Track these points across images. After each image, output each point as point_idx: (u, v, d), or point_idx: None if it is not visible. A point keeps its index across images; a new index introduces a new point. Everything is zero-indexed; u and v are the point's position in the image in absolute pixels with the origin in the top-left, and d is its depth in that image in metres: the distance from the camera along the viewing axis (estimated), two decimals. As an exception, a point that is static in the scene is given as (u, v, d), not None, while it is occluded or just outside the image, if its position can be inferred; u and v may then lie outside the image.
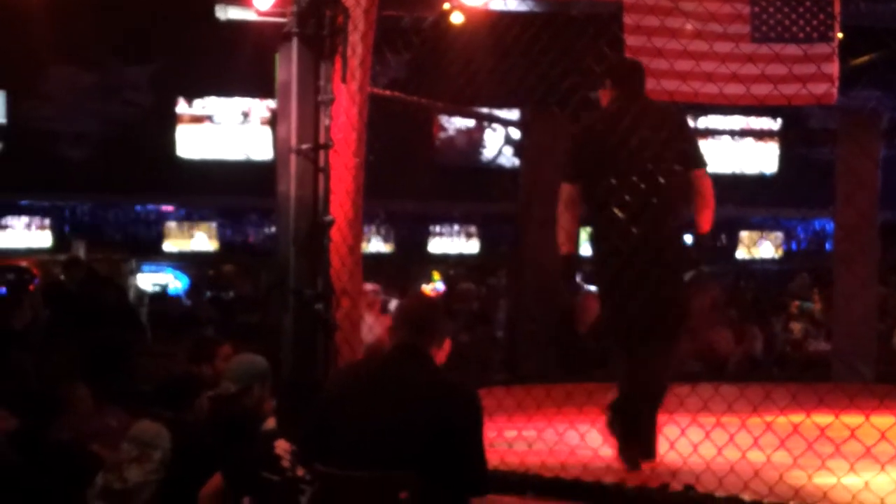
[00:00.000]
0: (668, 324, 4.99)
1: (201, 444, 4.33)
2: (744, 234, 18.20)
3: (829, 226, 15.92)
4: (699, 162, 5.15)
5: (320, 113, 5.39)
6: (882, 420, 4.76)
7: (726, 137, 16.43)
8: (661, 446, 5.06)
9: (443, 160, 16.55)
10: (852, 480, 4.26)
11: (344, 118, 5.49)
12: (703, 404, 5.19)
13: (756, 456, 4.60)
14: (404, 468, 3.54)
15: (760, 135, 16.91)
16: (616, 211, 4.91)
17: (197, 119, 16.82)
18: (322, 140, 5.35)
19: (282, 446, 3.98)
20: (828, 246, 16.38)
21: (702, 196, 5.05)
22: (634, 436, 4.92)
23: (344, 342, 5.20)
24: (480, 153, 16.65)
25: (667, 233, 4.95)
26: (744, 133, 16.47)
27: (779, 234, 18.83)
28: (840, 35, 8.47)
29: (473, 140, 16.67)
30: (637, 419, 4.93)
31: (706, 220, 5.06)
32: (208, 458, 4.17)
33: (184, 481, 4.23)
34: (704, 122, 14.96)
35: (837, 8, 8.25)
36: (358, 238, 5.50)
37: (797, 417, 4.85)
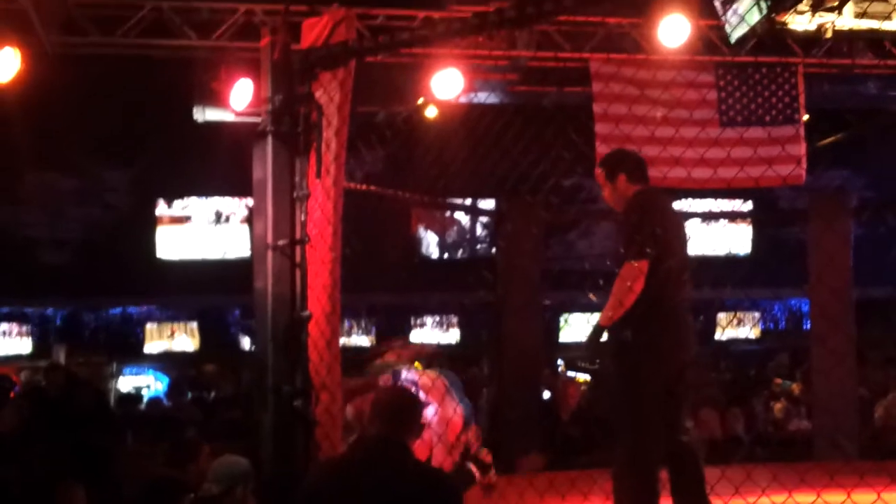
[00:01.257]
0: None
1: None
2: (721, 316, 18.27)
3: (805, 304, 16.03)
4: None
5: (296, 209, 5.44)
6: (863, 497, 4.76)
7: (699, 220, 16.58)
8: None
9: (422, 252, 16.67)
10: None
11: (319, 213, 5.55)
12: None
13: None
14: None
15: (733, 216, 17.10)
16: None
17: (177, 220, 16.87)
18: (298, 236, 5.39)
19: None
20: (805, 324, 16.47)
21: None
22: None
23: (324, 437, 5.18)
24: (459, 245, 16.78)
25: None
26: (716, 215, 16.66)
27: (755, 315, 18.93)
28: (806, 117, 8.67)
29: (452, 231, 16.80)
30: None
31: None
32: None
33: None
34: (677, 205, 15.08)
35: (802, 89, 8.47)
36: (336, 332, 5.52)
37: (779, 498, 4.84)
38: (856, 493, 4.67)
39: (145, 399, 13.19)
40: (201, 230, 16.87)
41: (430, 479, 3.86)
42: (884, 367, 11.32)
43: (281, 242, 5.43)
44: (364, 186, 8.14)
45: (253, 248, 5.71)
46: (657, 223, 5.04)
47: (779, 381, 11.38)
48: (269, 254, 5.43)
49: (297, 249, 5.39)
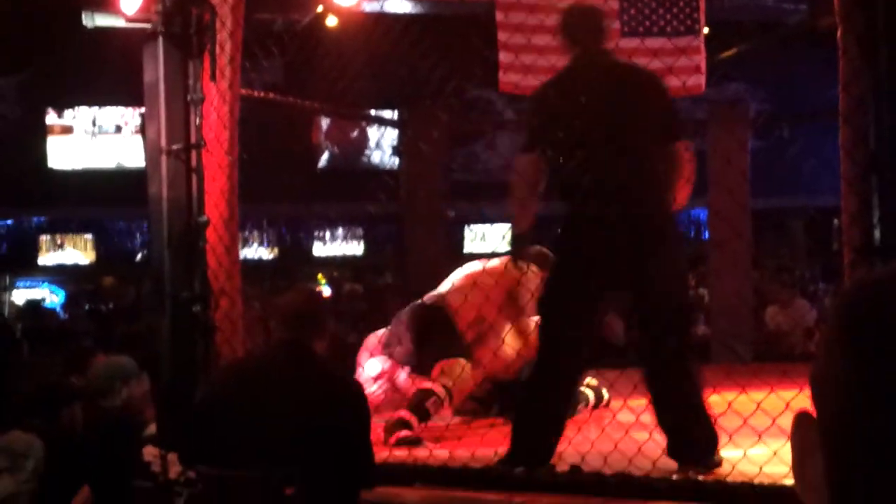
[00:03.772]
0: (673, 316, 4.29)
1: (74, 453, 4.22)
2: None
3: (705, 214, 16.34)
4: (680, 132, 4.52)
5: (190, 112, 5.29)
6: (758, 394, 4.88)
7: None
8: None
9: (323, 162, 16.48)
10: (731, 453, 4.35)
11: (215, 117, 5.40)
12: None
13: (640, 434, 4.68)
14: (291, 465, 3.51)
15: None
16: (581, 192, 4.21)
17: (67, 129, 16.37)
18: (193, 140, 5.26)
19: (150, 452, 3.91)
20: (705, 234, 16.84)
21: (683, 170, 4.37)
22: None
23: (224, 343, 5.12)
24: (362, 154, 16.62)
25: (651, 215, 4.25)
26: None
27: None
28: (706, 29, 8.71)
29: (354, 141, 16.62)
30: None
31: (683, 195, 4.40)
32: (82, 467, 4.06)
33: (58, 491, 4.11)
34: None
35: (703, 1, 8.49)
36: (234, 238, 5.42)
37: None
38: (751, 390, 4.79)
39: (21, 309, 12.83)
40: (93, 140, 16.40)
41: (334, 381, 3.84)
42: (777, 275, 11.62)
43: (175, 147, 5.29)
44: (262, 93, 7.96)
45: (146, 154, 5.56)
46: (544, 108, 4.41)
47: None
48: (164, 159, 5.29)
49: (193, 154, 5.26)
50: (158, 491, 3.73)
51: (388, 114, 12.66)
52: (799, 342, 9.15)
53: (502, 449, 4.53)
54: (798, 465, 0.86)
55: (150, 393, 4.75)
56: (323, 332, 3.91)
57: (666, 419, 4.32)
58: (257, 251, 16.68)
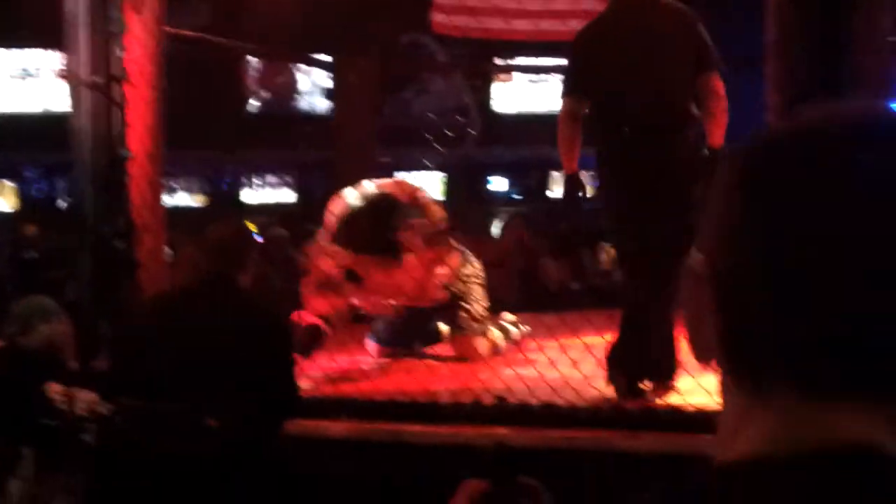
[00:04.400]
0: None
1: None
2: (555, 174, 18.45)
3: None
4: (713, 64, 4.43)
5: (112, 44, 5.15)
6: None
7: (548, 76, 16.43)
8: (477, 367, 5.12)
9: (254, 108, 16.20)
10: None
11: (140, 50, 5.26)
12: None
13: (568, 371, 4.70)
14: (214, 396, 3.47)
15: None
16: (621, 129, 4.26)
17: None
18: (115, 72, 5.13)
19: (55, 389, 3.82)
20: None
21: (716, 103, 4.35)
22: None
23: (149, 280, 5.02)
24: (293, 100, 16.36)
25: (681, 148, 4.30)
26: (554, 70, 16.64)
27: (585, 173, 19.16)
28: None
29: (285, 86, 16.35)
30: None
31: (719, 131, 4.36)
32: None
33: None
34: (525, 60, 14.71)
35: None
36: (159, 173, 5.30)
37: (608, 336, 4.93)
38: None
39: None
40: (13, 83, 15.97)
41: (257, 313, 3.80)
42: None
43: (97, 79, 5.15)
44: (191, 33, 7.77)
45: (68, 86, 5.41)
46: (582, 51, 4.42)
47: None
48: (85, 91, 5.16)
49: (115, 86, 5.13)
50: (63, 429, 3.65)
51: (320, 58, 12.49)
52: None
53: (433, 383, 4.54)
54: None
55: (71, 335, 4.63)
56: (247, 266, 3.84)
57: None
58: (185, 198, 16.40)
